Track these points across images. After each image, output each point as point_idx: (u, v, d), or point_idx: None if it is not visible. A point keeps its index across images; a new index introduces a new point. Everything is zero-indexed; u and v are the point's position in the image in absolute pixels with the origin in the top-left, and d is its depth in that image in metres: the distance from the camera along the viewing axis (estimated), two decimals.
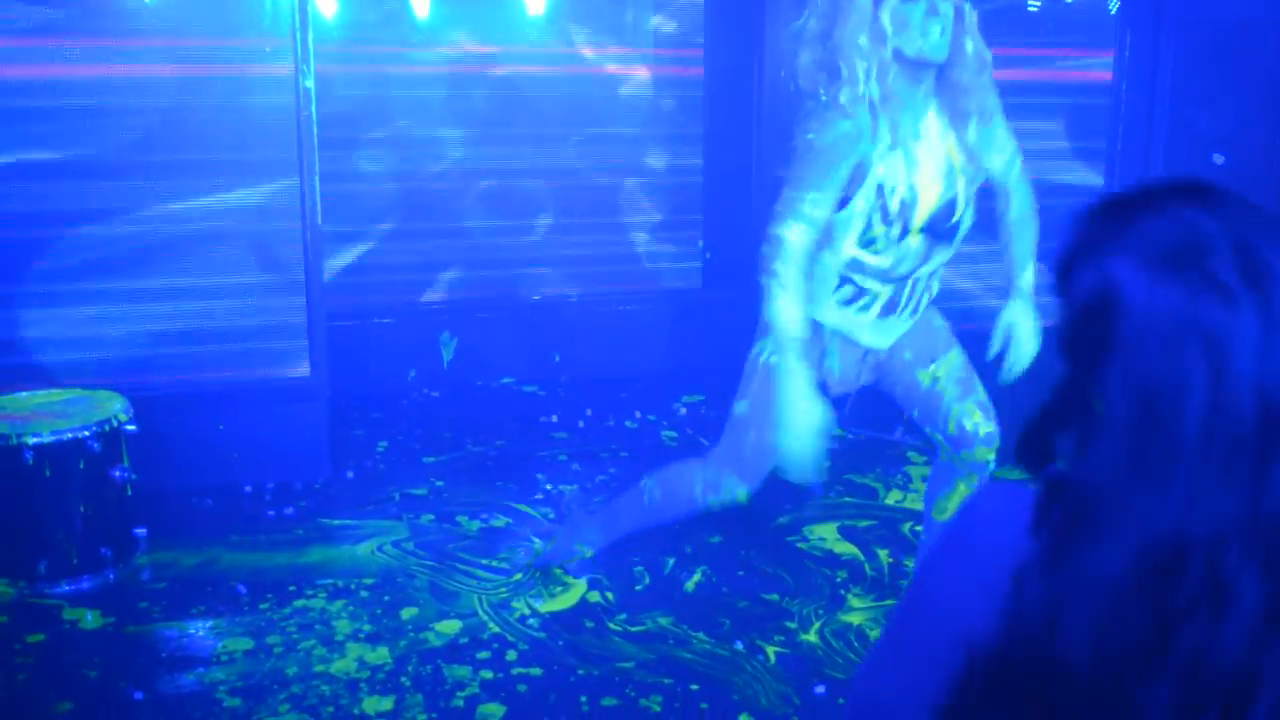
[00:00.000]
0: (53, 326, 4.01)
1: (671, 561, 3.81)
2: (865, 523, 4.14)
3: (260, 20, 4.03)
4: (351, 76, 5.19)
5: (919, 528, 3.91)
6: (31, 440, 3.48)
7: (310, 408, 4.33)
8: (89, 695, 3.05)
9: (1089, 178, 5.35)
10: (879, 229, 2.86)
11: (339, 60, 5.05)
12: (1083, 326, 1.00)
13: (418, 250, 5.49)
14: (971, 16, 2.85)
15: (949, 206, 2.91)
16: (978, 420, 3.16)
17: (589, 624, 3.45)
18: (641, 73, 5.69)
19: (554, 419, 5.08)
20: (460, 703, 3.04)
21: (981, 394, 3.19)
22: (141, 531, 3.73)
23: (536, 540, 3.84)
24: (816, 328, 2.98)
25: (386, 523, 4.06)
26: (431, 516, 4.11)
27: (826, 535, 4.04)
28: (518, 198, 5.58)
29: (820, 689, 3.15)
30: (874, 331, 3.05)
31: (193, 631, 3.36)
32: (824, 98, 2.80)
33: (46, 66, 3.86)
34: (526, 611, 3.50)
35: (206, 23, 3.99)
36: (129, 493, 3.69)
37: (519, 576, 3.70)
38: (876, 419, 4.71)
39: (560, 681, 3.15)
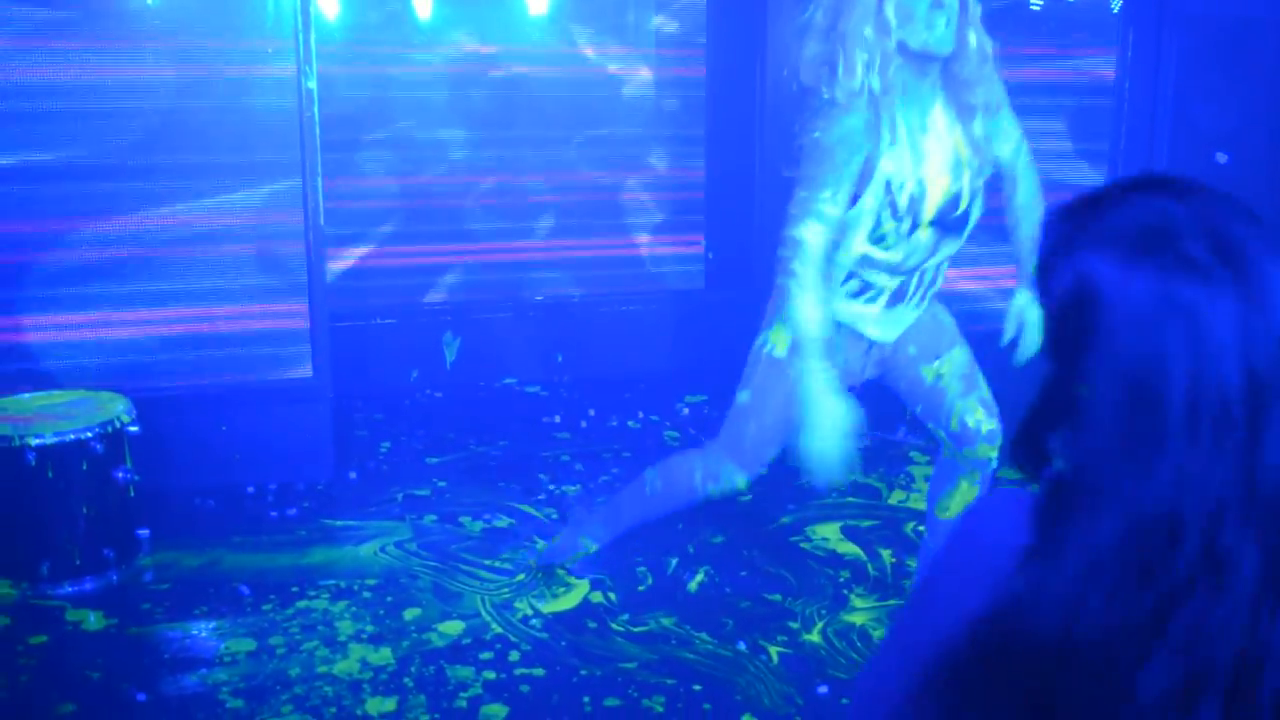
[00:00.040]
0: (55, 328, 4.02)
1: (674, 562, 3.81)
2: (868, 523, 4.14)
3: (262, 22, 4.03)
4: (354, 78, 5.19)
5: (922, 528, 3.91)
6: (34, 441, 3.48)
7: (313, 408, 4.33)
8: (92, 696, 3.05)
9: (1092, 177, 5.34)
10: (889, 224, 2.85)
11: (341, 61, 5.05)
12: (1064, 323, 1.01)
13: (420, 251, 5.49)
14: (975, 9, 2.85)
15: (957, 199, 2.91)
16: (980, 417, 3.16)
17: (592, 624, 3.44)
18: (644, 73, 5.68)
19: (557, 419, 5.08)
20: (463, 703, 3.04)
21: (985, 391, 3.19)
22: (144, 533, 3.73)
23: (540, 541, 3.84)
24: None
25: (389, 523, 4.06)
26: (434, 517, 4.11)
27: (829, 535, 4.04)
28: (520, 198, 5.58)
29: (823, 689, 3.15)
30: (880, 323, 3.05)
31: (195, 632, 3.36)
32: (827, 95, 2.80)
33: (48, 69, 3.86)
34: (529, 612, 3.50)
35: (209, 24, 3.99)
36: (132, 494, 3.69)
37: (522, 577, 3.69)
38: (879, 419, 4.70)
39: (563, 682, 3.15)
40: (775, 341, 3.08)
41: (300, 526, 4.02)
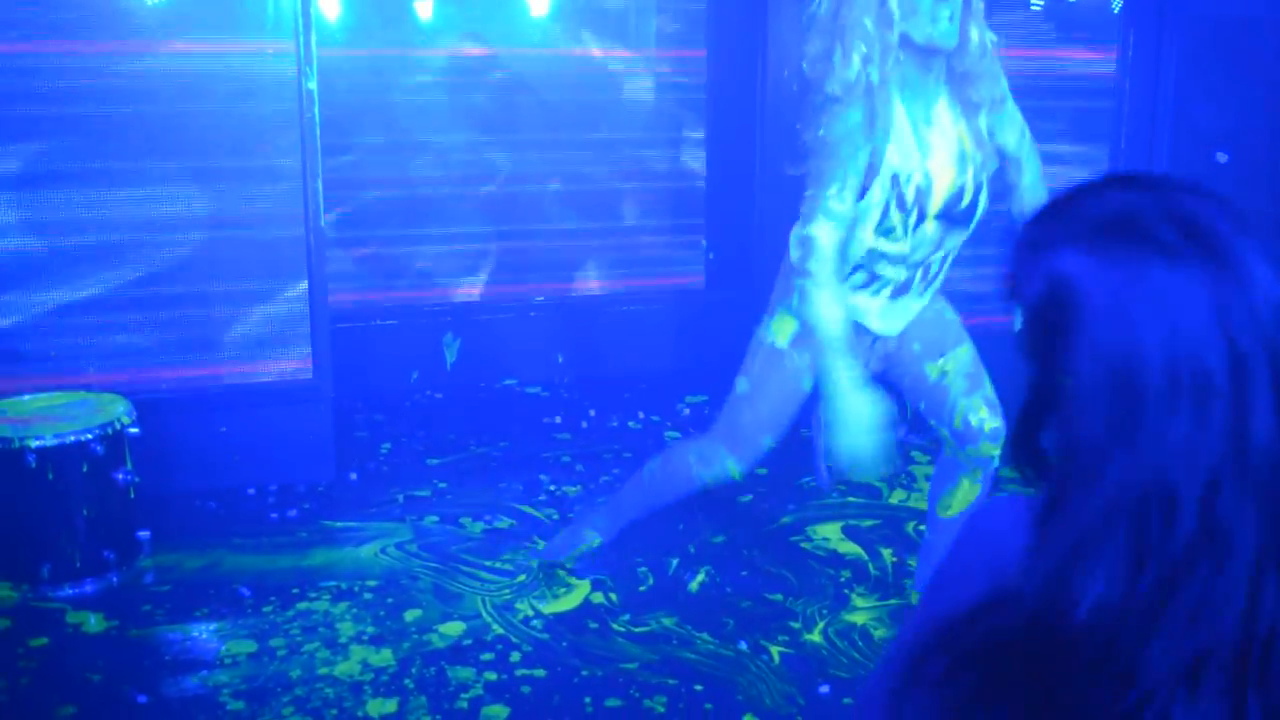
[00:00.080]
0: (55, 330, 4.01)
1: (675, 562, 3.80)
2: (869, 522, 4.14)
3: (263, 22, 4.02)
4: (354, 79, 5.19)
5: (923, 527, 3.90)
6: (34, 443, 3.48)
7: (313, 410, 4.33)
8: (92, 699, 3.05)
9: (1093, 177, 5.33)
10: (896, 217, 2.86)
11: (341, 63, 5.04)
12: (1041, 324, 1.02)
13: (420, 252, 5.49)
14: (977, 4, 2.85)
15: (962, 192, 2.91)
16: (984, 416, 3.16)
17: (593, 625, 3.44)
18: (644, 73, 5.68)
19: (557, 420, 5.08)
20: (464, 704, 3.04)
21: (989, 390, 3.19)
22: (144, 534, 3.73)
23: (540, 542, 3.83)
24: (803, 305, 2.96)
25: (390, 525, 4.05)
26: (435, 518, 4.11)
27: (830, 535, 4.03)
28: (520, 199, 5.58)
29: (825, 689, 3.14)
30: (884, 316, 3.05)
31: (196, 634, 3.35)
32: (827, 88, 2.80)
33: (48, 71, 3.85)
34: (530, 613, 3.49)
35: (208, 25, 3.98)
36: (132, 495, 3.68)
37: (523, 578, 3.69)
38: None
39: (564, 683, 3.15)
40: (777, 331, 3.09)
41: (301, 528, 4.02)
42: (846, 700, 3.09)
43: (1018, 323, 1.05)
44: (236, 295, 4.18)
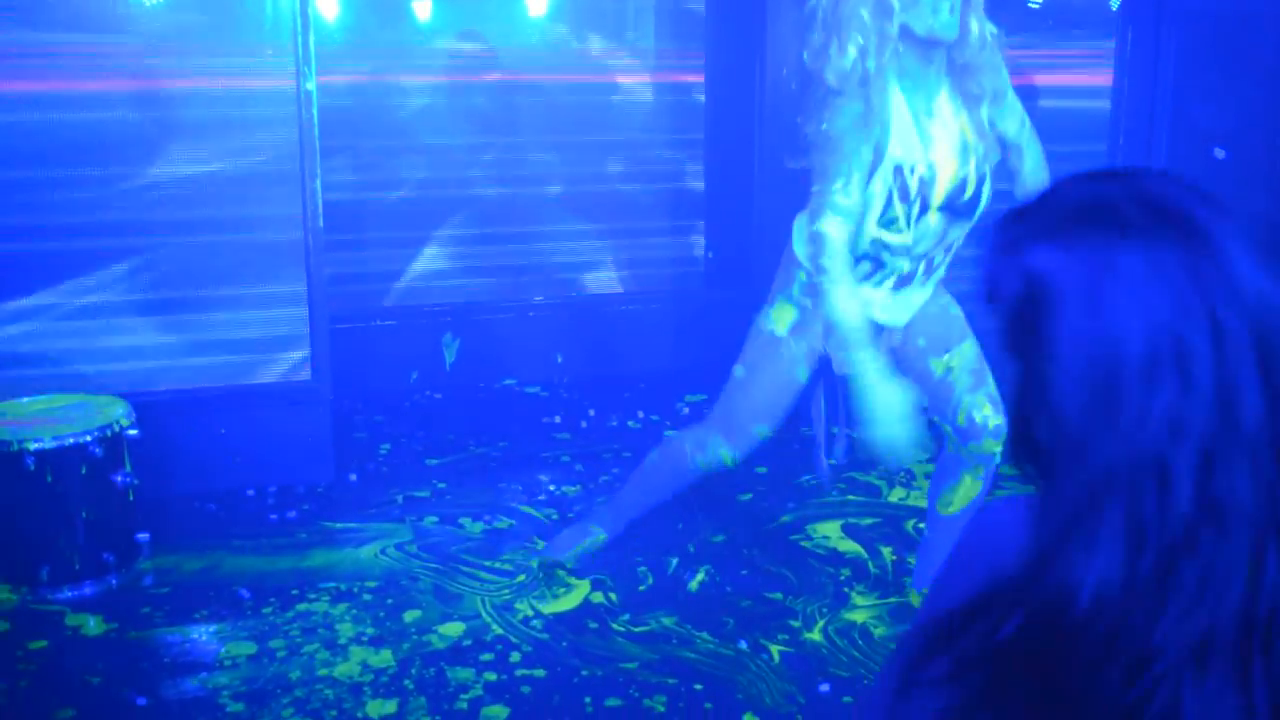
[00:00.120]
0: (54, 333, 4.01)
1: (675, 561, 3.80)
2: (869, 520, 4.13)
3: (261, 25, 4.02)
4: (353, 81, 5.19)
5: (922, 525, 3.90)
6: (33, 446, 3.48)
7: (313, 411, 4.32)
8: (92, 701, 3.05)
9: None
10: (899, 208, 2.86)
11: (340, 65, 5.04)
12: (1020, 320, 1.02)
13: (419, 252, 5.48)
14: None
15: (964, 184, 2.91)
16: (987, 413, 3.16)
17: (592, 625, 3.44)
18: (643, 75, 5.68)
19: (557, 420, 5.08)
20: (464, 705, 3.04)
21: (992, 386, 3.19)
22: (144, 536, 3.72)
23: (540, 542, 3.83)
24: (820, 301, 2.96)
25: (389, 525, 4.05)
26: (435, 519, 4.11)
27: (830, 533, 4.03)
28: (519, 200, 5.58)
29: (825, 687, 3.14)
30: (888, 307, 3.05)
31: (195, 636, 3.35)
32: (828, 81, 2.80)
33: (48, 75, 3.85)
34: (530, 613, 3.49)
35: (207, 29, 3.98)
36: (131, 498, 3.68)
37: (522, 578, 3.69)
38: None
39: (564, 683, 3.15)
40: (776, 319, 3.10)
41: (300, 529, 4.02)
42: (846, 699, 3.09)
43: (999, 324, 1.06)
44: (236, 297, 4.18)
